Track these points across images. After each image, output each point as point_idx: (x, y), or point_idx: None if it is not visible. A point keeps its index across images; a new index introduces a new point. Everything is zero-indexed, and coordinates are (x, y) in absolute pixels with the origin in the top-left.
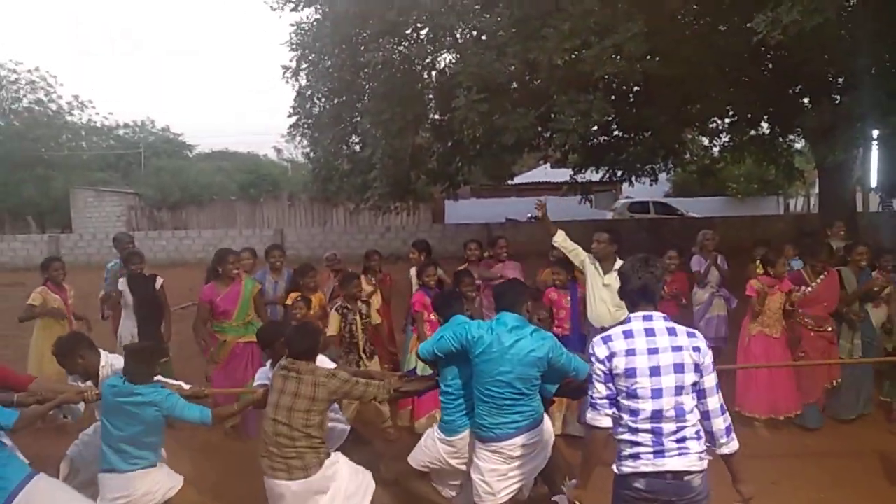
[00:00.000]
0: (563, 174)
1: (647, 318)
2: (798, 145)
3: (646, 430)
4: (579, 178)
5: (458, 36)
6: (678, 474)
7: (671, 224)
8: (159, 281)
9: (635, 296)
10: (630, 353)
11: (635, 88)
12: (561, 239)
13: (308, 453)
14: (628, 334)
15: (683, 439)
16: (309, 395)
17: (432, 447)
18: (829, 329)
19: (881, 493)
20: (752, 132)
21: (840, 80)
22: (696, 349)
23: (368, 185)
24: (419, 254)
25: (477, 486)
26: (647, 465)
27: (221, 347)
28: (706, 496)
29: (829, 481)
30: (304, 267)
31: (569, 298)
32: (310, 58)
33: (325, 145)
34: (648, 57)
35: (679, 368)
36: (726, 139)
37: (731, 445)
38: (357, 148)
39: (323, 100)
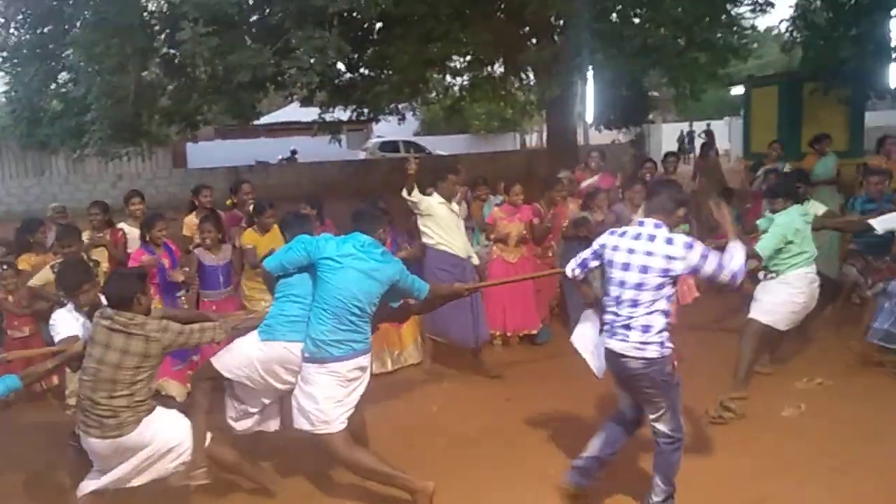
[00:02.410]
0: (313, 113)
1: (640, 224)
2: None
3: (610, 312)
4: (328, 117)
5: None
6: (616, 354)
7: (422, 162)
8: None
9: None
10: (615, 248)
11: (378, 26)
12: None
13: (124, 412)
14: (622, 234)
15: (628, 327)
16: (140, 351)
17: (244, 348)
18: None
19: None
20: (488, 71)
21: (561, 23)
22: (669, 257)
23: (85, 129)
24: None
25: (310, 414)
26: (606, 340)
27: None
28: (654, 385)
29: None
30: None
31: None
32: None
33: (28, 82)
34: None
35: (643, 269)
36: (465, 78)
37: (736, 270)
38: (71, 86)
39: (22, 29)
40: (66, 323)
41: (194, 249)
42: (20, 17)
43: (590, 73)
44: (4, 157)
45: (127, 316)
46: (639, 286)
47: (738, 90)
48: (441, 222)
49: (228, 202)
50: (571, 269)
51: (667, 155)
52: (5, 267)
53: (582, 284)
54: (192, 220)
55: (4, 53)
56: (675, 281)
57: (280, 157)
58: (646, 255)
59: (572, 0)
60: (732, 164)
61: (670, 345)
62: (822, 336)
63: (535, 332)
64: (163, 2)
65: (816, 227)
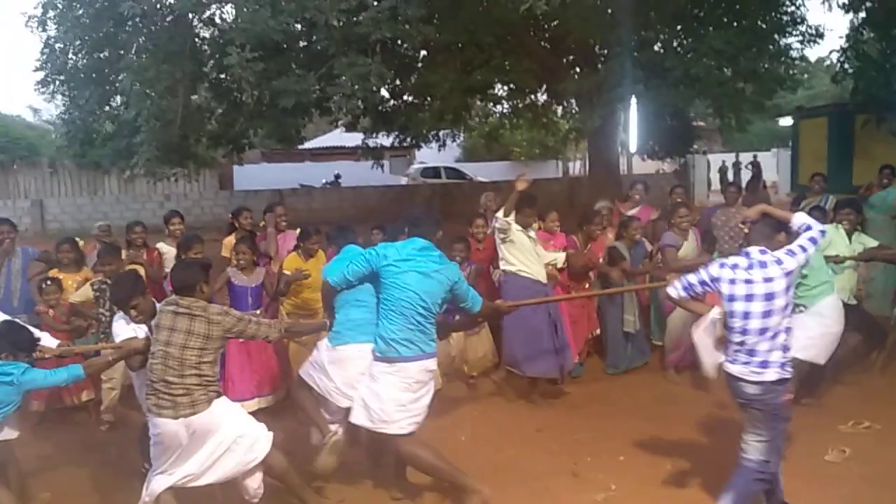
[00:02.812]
0: (357, 139)
1: (745, 255)
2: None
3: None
4: (371, 142)
5: None
6: (735, 378)
7: (461, 188)
8: None
9: None
10: (732, 281)
11: (420, 53)
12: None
13: (197, 389)
14: (734, 266)
15: (752, 352)
16: (203, 332)
17: (319, 358)
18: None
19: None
20: (531, 99)
21: (604, 52)
22: (786, 272)
23: (135, 150)
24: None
25: (372, 411)
26: (727, 364)
27: None
28: (765, 409)
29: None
30: (63, 241)
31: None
32: (58, 5)
33: (83, 105)
34: (427, 22)
35: (768, 297)
36: (507, 106)
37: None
38: (123, 109)
39: (79, 53)
40: (125, 329)
41: (227, 269)
42: (78, 42)
43: (633, 102)
44: (60, 176)
45: (190, 300)
46: (766, 314)
47: (786, 121)
48: (523, 248)
49: (262, 223)
50: (677, 291)
51: (728, 184)
52: (49, 282)
53: (690, 302)
54: (230, 241)
55: (62, 77)
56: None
57: (324, 180)
58: (765, 283)
59: (615, 29)
60: (781, 197)
61: (790, 369)
62: (868, 378)
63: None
64: (213, 28)
65: (865, 257)
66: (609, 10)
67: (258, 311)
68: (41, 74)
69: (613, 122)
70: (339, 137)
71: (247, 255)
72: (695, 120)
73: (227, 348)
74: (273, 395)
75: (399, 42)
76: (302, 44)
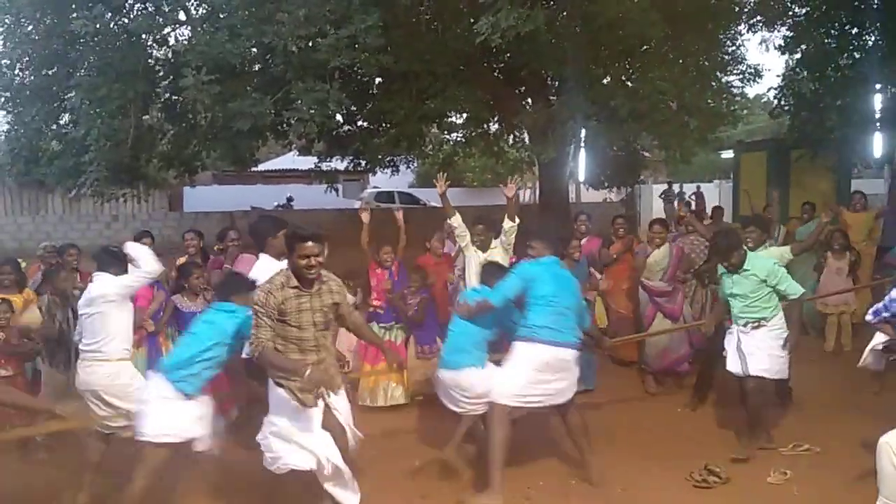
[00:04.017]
0: (310, 162)
1: None
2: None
3: None
4: (324, 166)
5: (191, 11)
6: None
7: (415, 213)
8: None
9: None
10: None
11: (376, 81)
12: (458, 222)
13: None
14: None
15: None
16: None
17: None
18: None
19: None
20: (483, 128)
21: (556, 84)
22: None
23: (83, 169)
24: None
25: (507, 381)
26: None
27: None
28: None
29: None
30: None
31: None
32: (6, 21)
33: (28, 122)
34: (385, 51)
35: None
36: (460, 135)
37: None
38: (71, 127)
39: (26, 70)
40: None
41: (172, 297)
42: (26, 59)
43: (583, 134)
44: (1, 195)
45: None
46: None
47: (727, 154)
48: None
49: (216, 248)
50: (869, 318)
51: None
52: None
53: (885, 325)
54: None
55: (7, 94)
56: None
57: (276, 203)
58: None
59: (567, 64)
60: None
61: None
62: (808, 401)
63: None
64: (167, 49)
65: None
66: (562, 45)
67: None
68: None
69: (564, 152)
70: (292, 160)
71: (199, 280)
72: (641, 151)
73: None
74: None
75: (356, 69)
76: (258, 67)
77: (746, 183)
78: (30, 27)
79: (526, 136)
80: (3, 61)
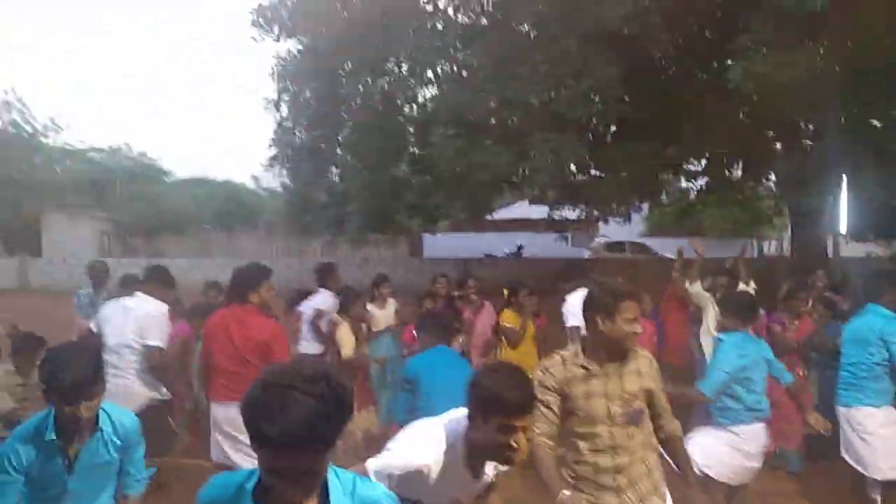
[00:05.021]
0: (542, 211)
1: None
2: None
3: None
4: (556, 215)
5: (438, 71)
6: None
7: (646, 264)
8: None
9: None
10: None
11: (612, 128)
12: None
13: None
14: None
15: None
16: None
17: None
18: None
19: None
20: (726, 173)
21: (811, 128)
22: None
23: (345, 218)
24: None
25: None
26: None
27: None
28: None
29: None
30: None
31: None
32: (290, 89)
33: (303, 176)
34: (622, 100)
35: None
36: (702, 182)
37: None
38: (336, 179)
39: (303, 131)
40: None
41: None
42: (304, 121)
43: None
44: (273, 239)
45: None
46: None
47: None
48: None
49: (457, 294)
50: None
51: None
52: None
53: None
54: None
55: (289, 152)
56: None
57: (506, 251)
58: None
59: (828, 111)
60: None
61: None
62: None
63: None
64: (415, 107)
65: None
66: (821, 89)
67: None
68: (273, 150)
69: (822, 201)
70: (523, 209)
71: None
72: None
73: None
74: None
75: (592, 119)
76: (495, 121)
77: None
78: (308, 94)
79: (773, 183)
80: (286, 124)
